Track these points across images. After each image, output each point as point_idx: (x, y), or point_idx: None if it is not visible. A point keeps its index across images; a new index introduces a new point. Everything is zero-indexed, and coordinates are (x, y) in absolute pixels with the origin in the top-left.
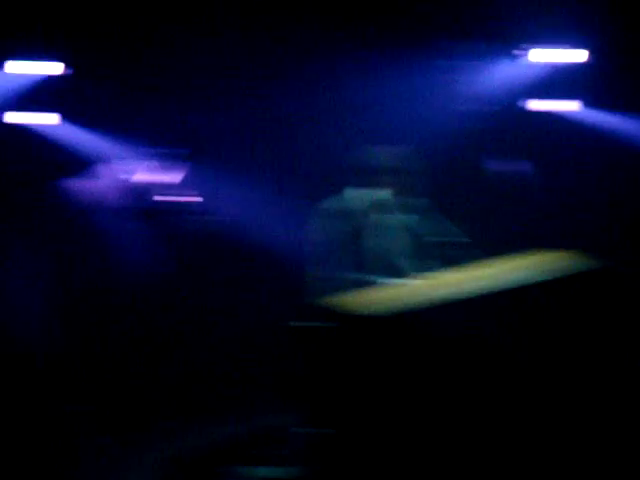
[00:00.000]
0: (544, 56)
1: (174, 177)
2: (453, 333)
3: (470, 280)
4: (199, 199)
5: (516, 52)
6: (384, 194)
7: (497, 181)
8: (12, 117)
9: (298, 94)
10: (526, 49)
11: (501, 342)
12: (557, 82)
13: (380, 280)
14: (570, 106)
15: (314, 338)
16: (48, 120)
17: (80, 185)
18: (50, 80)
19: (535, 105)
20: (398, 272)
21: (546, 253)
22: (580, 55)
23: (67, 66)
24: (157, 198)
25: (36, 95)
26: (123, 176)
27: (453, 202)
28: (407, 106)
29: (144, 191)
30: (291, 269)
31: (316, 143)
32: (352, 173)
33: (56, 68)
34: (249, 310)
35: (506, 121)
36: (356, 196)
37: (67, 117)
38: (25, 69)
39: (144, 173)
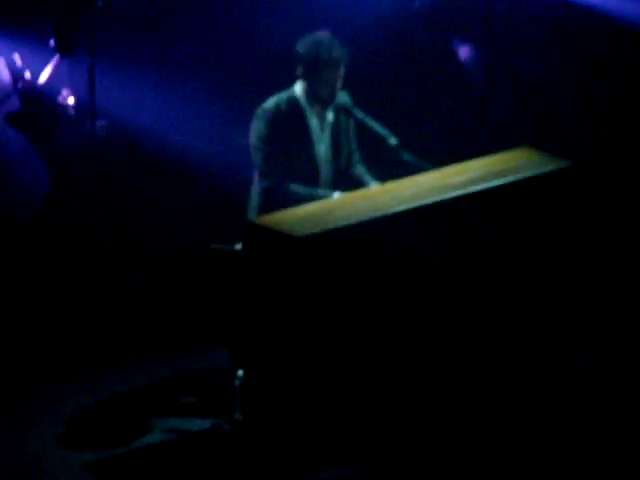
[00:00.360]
0: None
1: (55, 70)
2: (394, 251)
3: (428, 186)
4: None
5: None
6: (338, 92)
7: (444, 71)
8: None
9: None
10: None
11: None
12: None
13: (330, 193)
14: None
15: (238, 262)
16: None
17: None
18: None
19: None
20: (351, 183)
21: (505, 153)
22: None
23: None
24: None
25: None
26: None
27: (396, 98)
28: None
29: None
30: (225, 183)
31: (248, 29)
32: (300, 65)
33: None
34: (172, 233)
35: None
36: (305, 94)
37: None
38: None
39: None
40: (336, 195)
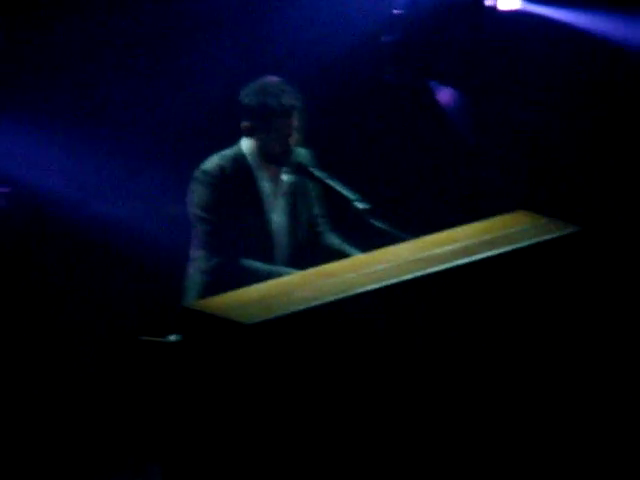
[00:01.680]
0: None
1: None
2: (361, 338)
3: (404, 259)
4: None
5: None
6: (294, 147)
7: (416, 119)
8: None
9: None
10: None
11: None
12: None
13: (292, 270)
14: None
15: (173, 356)
16: None
17: None
18: None
19: None
20: (321, 256)
21: (497, 218)
22: None
23: None
24: None
25: None
26: None
27: (363, 153)
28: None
29: None
30: (154, 260)
31: (182, 69)
32: (246, 117)
33: None
34: (90, 323)
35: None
36: (254, 152)
37: None
38: None
39: None
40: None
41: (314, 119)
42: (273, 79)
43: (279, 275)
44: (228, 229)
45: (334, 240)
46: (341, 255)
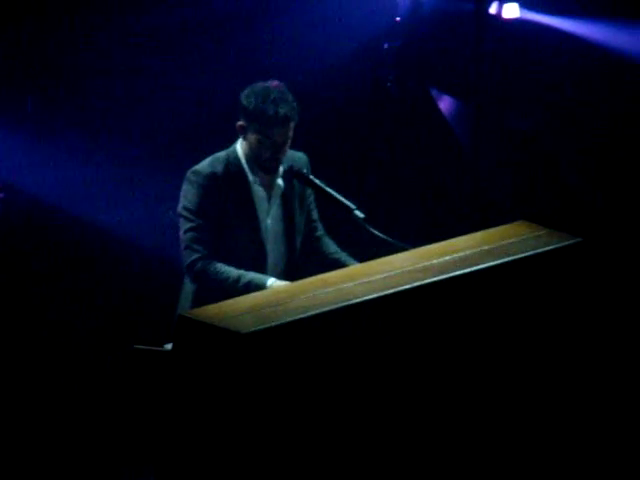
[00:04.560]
0: None
1: None
2: (360, 347)
3: (403, 269)
4: None
5: None
6: (283, 158)
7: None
8: None
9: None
10: None
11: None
12: None
13: (265, 278)
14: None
15: (169, 366)
16: None
17: None
18: None
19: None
20: (316, 264)
21: (496, 229)
22: None
23: None
24: None
25: None
26: None
27: (361, 162)
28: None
29: None
30: (153, 267)
31: (185, 84)
32: (241, 117)
33: None
34: (86, 332)
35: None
36: (246, 156)
37: None
38: None
39: None
40: (271, 282)
41: (313, 124)
42: (275, 84)
43: (251, 282)
44: (211, 232)
45: (331, 247)
46: (337, 263)
